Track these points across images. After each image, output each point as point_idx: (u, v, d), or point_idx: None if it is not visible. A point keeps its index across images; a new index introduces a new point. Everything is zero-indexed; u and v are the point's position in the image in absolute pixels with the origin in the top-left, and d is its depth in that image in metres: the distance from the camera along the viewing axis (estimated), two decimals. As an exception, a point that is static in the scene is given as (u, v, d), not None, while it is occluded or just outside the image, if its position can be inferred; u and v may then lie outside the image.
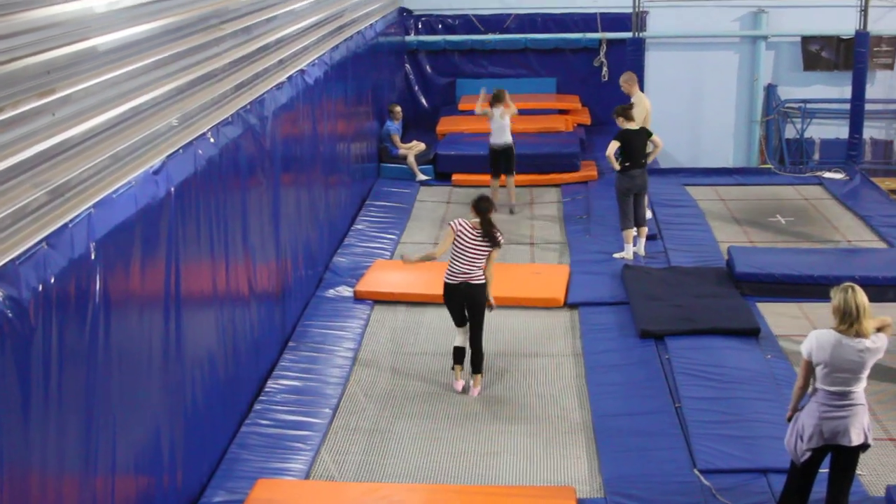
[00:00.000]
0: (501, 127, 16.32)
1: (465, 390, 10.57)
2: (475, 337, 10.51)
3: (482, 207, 10.29)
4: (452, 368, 10.71)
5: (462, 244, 10.27)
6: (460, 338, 10.60)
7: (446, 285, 10.43)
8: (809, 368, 7.37)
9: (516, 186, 16.95)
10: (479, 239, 10.23)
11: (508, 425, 9.87)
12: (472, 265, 10.27)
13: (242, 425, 9.57)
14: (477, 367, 10.57)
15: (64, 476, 6.10)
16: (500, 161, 16.51)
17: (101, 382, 6.54)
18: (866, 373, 7.25)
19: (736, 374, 10.39)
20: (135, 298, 7.15)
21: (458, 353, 10.63)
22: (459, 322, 10.55)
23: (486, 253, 10.28)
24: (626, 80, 14.95)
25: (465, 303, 10.43)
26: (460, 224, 10.33)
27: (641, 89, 15.73)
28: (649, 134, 13.87)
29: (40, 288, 5.75)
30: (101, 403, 6.56)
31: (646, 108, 14.43)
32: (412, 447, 9.52)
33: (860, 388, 7.28)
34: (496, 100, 16.32)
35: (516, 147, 16.64)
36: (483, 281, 10.36)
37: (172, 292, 7.83)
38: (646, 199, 14.26)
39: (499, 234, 10.33)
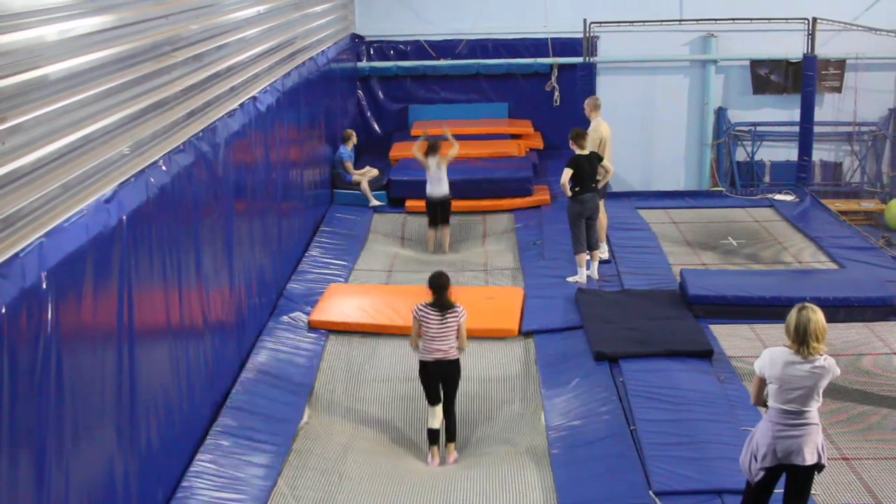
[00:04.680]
0: (438, 178, 16.06)
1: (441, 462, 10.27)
2: (449, 408, 10.27)
3: (436, 284, 10.09)
4: (429, 448, 10.27)
5: (429, 326, 10.05)
6: (433, 419, 10.25)
7: (422, 363, 10.20)
8: (761, 385, 7.43)
9: (468, 212, 17.15)
10: (441, 317, 10.04)
11: (464, 450, 9.85)
12: (444, 341, 10.07)
13: (197, 457, 9.48)
14: (451, 436, 10.30)
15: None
16: (436, 212, 16.31)
17: (53, 415, 6.47)
18: (820, 392, 7.30)
19: (690, 395, 10.44)
20: (87, 328, 7.08)
21: (433, 435, 10.27)
22: (434, 400, 10.25)
23: (454, 326, 10.08)
24: (587, 104, 14.79)
25: (441, 379, 10.21)
26: (420, 310, 10.08)
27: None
28: (600, 159, 13.85)
29: (-9, 319, 5.70)
30: (53, 437, 6.48)
31: (602, 134, 14.31)
32: (366, 483, 9.46)
33: (814, 408, 7.32)
34: (432, 150, 15.99)
35: (469, 172, 16.62)
36: (457, 357, 10.19)
37: (125, 321, 7.76)
38: (598, 223, 14.25)
39: (458, 307, 10.11)
